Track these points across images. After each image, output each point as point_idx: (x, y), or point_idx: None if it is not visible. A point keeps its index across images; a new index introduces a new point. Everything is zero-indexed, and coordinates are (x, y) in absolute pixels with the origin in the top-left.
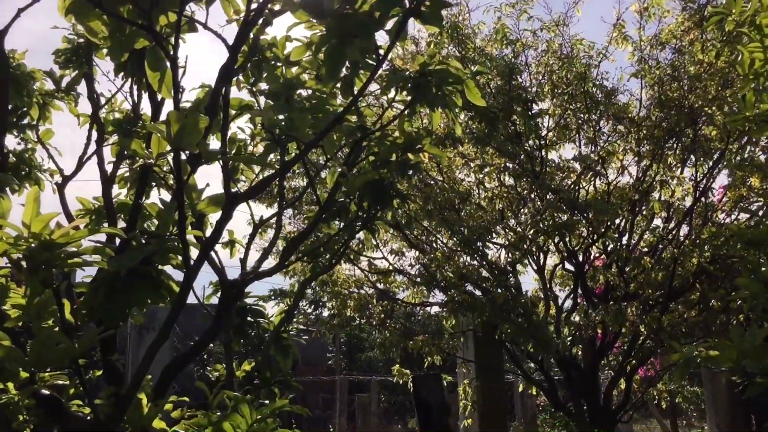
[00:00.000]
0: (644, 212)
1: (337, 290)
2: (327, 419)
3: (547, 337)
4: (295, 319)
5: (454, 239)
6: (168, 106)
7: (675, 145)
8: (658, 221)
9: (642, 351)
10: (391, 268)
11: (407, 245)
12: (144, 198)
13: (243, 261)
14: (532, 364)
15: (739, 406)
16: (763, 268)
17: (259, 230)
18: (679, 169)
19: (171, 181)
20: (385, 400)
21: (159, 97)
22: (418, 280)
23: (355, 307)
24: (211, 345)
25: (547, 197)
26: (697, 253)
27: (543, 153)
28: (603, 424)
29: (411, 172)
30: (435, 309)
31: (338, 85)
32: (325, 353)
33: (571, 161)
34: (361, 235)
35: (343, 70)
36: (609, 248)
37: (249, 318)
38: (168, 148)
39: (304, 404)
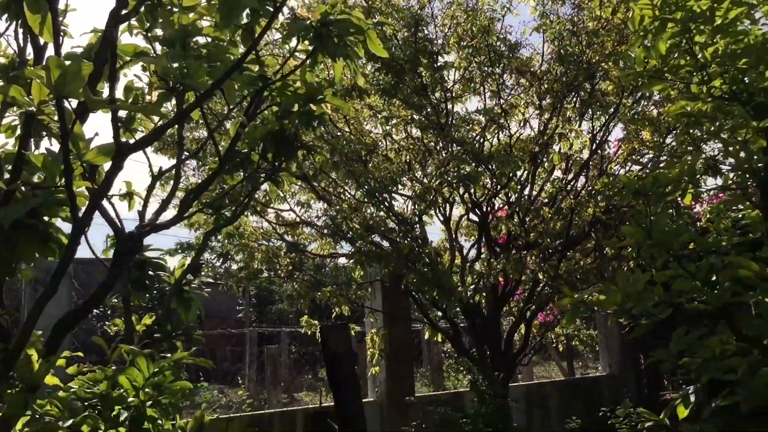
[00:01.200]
0: (545, 164)
1: (244, 243)
2: (236, 371)
3: (451, 285)
4: (203, 273)
5: (361, 191)
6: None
7: (574, 99)
8: (558, 173)
9: (541, 297)
10: (298, 220)
11: (315, 197)
12: (35, 149)
13: (141, 213)
14: (438, 313)
15: (629, 347)
16: (651, 217)
17: (161, 182)
18: (578, 123)
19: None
20: (295, 351)
21: (42, 41)
22: (326, 231)
23: (262, 260)
24: (115, 300)
25: (453, 149)
26: (593, 203)
27: (449, 105)
28: (504, 368)
29: (315, 123)
30: (343, 260)
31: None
32: (235, 306)
33: (476, 114)
34: (267, 187)
35: (245, 17)
36: (511, 199)
37: (149, 272)
38: (50, 95)
39: (212, 358)
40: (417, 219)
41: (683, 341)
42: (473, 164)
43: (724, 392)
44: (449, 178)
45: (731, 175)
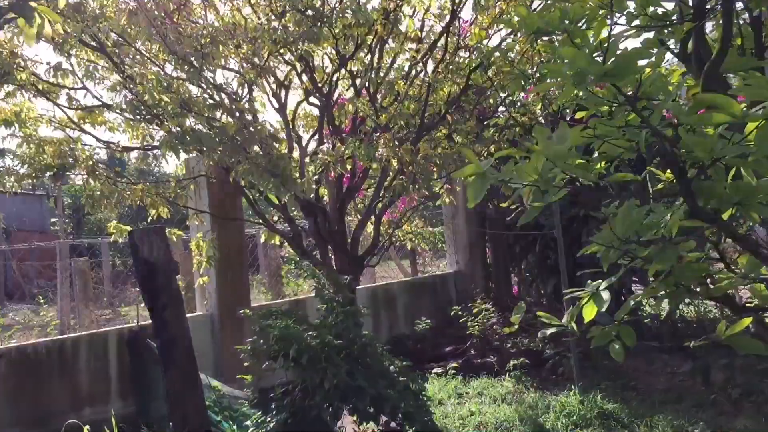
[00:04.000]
0: (395, 33)
1: (28, 133)
2: (51, 289)
3: (289, 173)
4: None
5: (173, 59)
6: None
7: None
8: (410, 45)
9: (394, 189)
10: (98, 103)
11: (114, 70)
12: None
13: None
14: (275, 212)
15: (477, 242)
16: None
17: None
18: None
19: None
20: (120, 263)
21: None
22: (126, 113)
23: (54, 154)
24: None
25: (285, 2)
26: (450, 79)
27: None
28: (351, 271)
29: None
30: (158, 152)
31: None
32: (49, 218)
33: None
34: (64, 63)
35: None
36: (357, 74)
37: None
38: None
39: (23, 274)
40: (246, 91)
41: (634, 218)
42: (312, 23)
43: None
44: (283, 38)
45: None
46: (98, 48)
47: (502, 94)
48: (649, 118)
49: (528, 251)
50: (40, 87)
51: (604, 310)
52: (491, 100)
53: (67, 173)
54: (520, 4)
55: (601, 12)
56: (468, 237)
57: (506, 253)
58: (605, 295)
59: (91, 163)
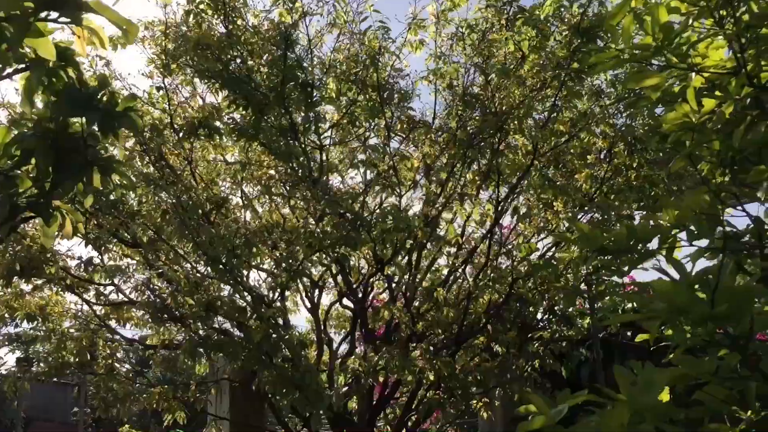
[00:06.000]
0: (432, 242)
1: (51, 327)
2: None
3: (317, 387)
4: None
5: (202, 257)
6: None
7: (477, 156)
8: (450, 249)
9: (429, 402)
10: (125, 299)
11: (144, 265)
12: None
13: None
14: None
15: None
16: None
17: None
18: (477, 187)
19: None
20: None
21: None
22: (148, 310)
23: (75, 350)
24: None
25: (325, 206)
26: (491, 287)
27: (323, 155)
28: None
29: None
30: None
31: None
32: (71, 408)
33: (358, 163)
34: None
35: None
36: (394, 280)
37: None
38: None
39: None
40: (278, 294)
41: None
42: (350, 227)
43: None
44: (321, 241)
45: None
46: (132, 244)
47: (545, 304)
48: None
49: None
50: (68, 282)
51: None
52: (532, 309)
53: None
54: (563, 217)
55: (673, 231)
56: None
57: None
58: None
59: (110, 361)
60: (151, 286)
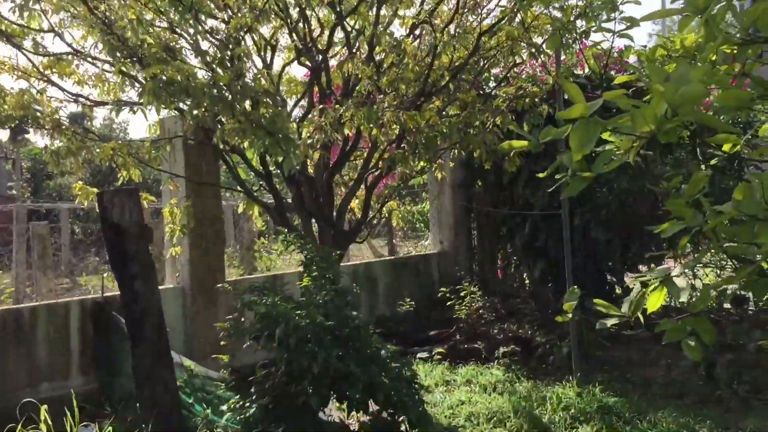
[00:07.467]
0: None
1: None
2: (6, 254)
3: (287, 132)
4: None
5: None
6: None
7: None
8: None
9: (390, 158)
10: (69, 51)
11: (89, 15)
12: None
13: None
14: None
15: (462, 221)
16: None
17: None
18: None
19: None
20: (80, 231)
21: None
22: (100, 52)
23: (15, 105)
24: None
25: None
26: (458, 43)
27: None
28: (337, 246)
29: None
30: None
31: None
32: (6, 181)
33: None
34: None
35: None
36: (355, 30)
37: None
38: None
39: None
40: (239, 37)
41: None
42: None
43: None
44: None
45: None
46: None
47: (509, 61)
48: None
49: (516, 232)
50: (2, 27)
51: (684, 300)
52: (496, 69)
53: (29, 129)
54: None
55: None
56: (454, 216)
57: (493, 234)
58: (680, 282)
59: (57, 116)
60: (106, 25)
